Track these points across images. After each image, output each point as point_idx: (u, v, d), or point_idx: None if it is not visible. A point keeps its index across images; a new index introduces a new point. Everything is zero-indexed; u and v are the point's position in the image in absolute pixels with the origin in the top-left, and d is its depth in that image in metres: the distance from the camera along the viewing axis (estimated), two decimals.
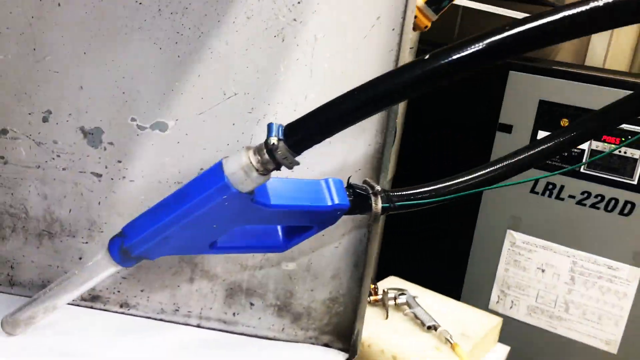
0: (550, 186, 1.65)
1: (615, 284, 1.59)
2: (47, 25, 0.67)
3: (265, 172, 0.52)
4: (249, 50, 0.66)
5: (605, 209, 1.55)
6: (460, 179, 0.63)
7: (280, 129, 0.51)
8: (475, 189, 0.63)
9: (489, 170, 0.62)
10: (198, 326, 0.76)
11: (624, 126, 1.53)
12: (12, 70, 0.69)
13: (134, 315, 0.76)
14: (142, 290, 0.75)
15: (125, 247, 0.59)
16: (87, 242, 0.74)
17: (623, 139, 1.57)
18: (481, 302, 1.61)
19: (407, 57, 0.65)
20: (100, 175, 0.72)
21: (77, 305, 0.75)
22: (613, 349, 1.59)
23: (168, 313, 0.76)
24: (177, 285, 0.75)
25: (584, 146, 1.62)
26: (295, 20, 0.65)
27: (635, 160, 1.53)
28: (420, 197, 0.63)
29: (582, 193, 1.55)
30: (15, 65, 0.69)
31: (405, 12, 0.63)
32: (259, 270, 0.74)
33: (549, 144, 0.61)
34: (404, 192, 0.63)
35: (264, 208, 0.55)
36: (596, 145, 1.60)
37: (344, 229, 0.71)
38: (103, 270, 0.62)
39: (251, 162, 0.51)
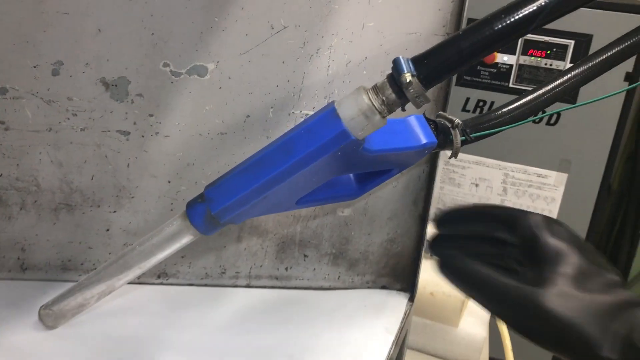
0: (481, 103, 1.71)
1: (544, 191, 1.69)
2: None
3: (388, 114, 0.46)
4: None
5: (533, 120, 1.62)
6: (532, 95, 0.61)
7: (410, 63, 0.45)
8: (553, 101, 0.60)
9: (564, 79, 0.60)
10: (247, 286, 0.70)
11: (550, 39, 1.60)
12: (8, 15, 0.56)
13: (175, 285, 0.69)
14: (182, 257, 0.68)
15: (215, 213, 0.51)
16: (115, 211, 0.65)
17: (548, 52, 1.64)
18: None
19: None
20: (129, 133, 0.62)
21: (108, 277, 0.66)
22: None
23: (213, 277, 0.69)
24: (223, 247, 0.68)
25: (512, 61, 1.68)
26: None
27: (561, 71, 1.59)
28: (493, 124, 0.60)
29: None
30: (12, 9, 0.56)
31: None
32: (312, 220, 0.68)
33: None
34: (476, 122, 0.60)
35: (367, 154, 0.50)
36: (524, 59, 1.66)
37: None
38: (178, 242, 0.54)
39: (373, 104, 0.45)
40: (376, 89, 0.46)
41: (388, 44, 0.61)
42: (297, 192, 0.53)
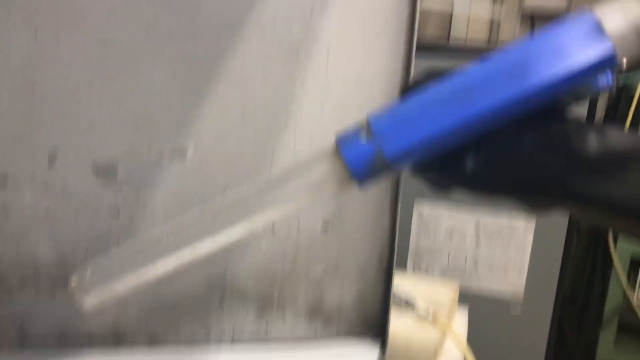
0: None
1: (514, 239, 1.78)
2: (45, 60, 0.63)
3: None
4: (265, 66, 0.67)
5: None
6: None
7: None
8: None
9: None
10: (231, 341, 0.76)
11: None
12: (8, 111, 0.64)
13: (165, 349, 0.74)
14: (170, 322, 0.74)
15: (389, 157, 0.37)
16: None
17: None
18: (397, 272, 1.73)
19: (413, 57, 0.70)
20: (118, 213, 0.69)
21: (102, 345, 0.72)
22: (519, 295, 1.78)
23: (200, 340, 0.75)
24: (207, 310, 0.74)
25: None
26: (308, 32, 0.67)
27: None
28: None
29: None
30: (12, 106, 0.64)
31: (412, 14, 0.67)
32: (288, 282, 0.75)
33: None
34: None
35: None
36: None
37: (368, 226, 0.74)
38: (313, 193, 0.40)
39: None
40: None
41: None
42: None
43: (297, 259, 0.74)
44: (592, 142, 0.37)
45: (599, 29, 0.34)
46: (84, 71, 0.64)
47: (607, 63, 0.35)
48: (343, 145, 0.39)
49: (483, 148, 0.38)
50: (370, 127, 0.38)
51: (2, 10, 0.60)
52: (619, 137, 0.37)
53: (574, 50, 0.35)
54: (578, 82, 0.35)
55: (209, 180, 0.69)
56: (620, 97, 1.81)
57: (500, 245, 1.83)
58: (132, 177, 0.68)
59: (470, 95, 0.36)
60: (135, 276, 0.43)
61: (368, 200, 0.73)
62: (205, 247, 0.42)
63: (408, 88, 0.40)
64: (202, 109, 0.67)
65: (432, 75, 0.39)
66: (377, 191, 0.72)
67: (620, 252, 1.75)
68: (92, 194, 0.67)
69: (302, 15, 0.66)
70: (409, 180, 0.68)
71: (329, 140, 0.41)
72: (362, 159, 0.38)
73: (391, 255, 0.75)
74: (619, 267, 1.74)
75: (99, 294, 0.45)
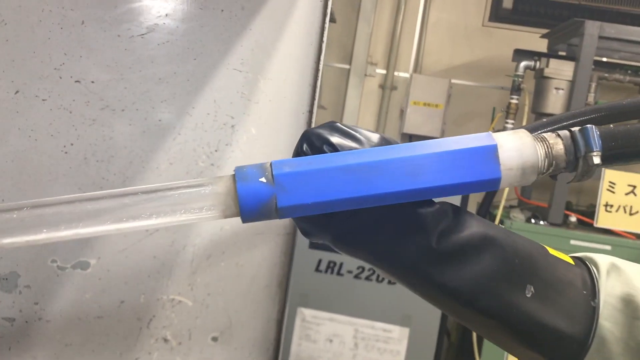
0: (332, 264, 1.92)
1: (390, 344, 1.89)
2: None
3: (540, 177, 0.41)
4: None
5: (377, 280, 1.86)
6: None
7: (598, 139, 0.40)
8: None
9: None
10: None
11: None
12: None
13: None
14: None
15: (281, 207, 0.39)
16: None
17: None
18: None
19: None
20: (14, 320, 0.71)
21: None
22: None
23: None
24: None
25: None
26: (212, 164, 0.76)
27: None
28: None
29: (358, 268, 1.85)
30: None
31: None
32: None
33: None
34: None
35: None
36: None
37: (257, 338, 0.81)
38: (198, 213, 0.40)
39: (541, 164, 0.40)
40: (547, 148, 0.40)
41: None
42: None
43: None
44: (443, 232, 0.41)
45: (495, 156, 0.39)
46: (2, 185, 0.68)
47: (490, 185, 0.40)
48: (240, 177, 0.39)
49: (353, 220, 0.41)
50: (272, 172, 0.39)
51: None
52: (470, 227, 0.41)
53: (466, 165, 0.39)
54: (462, 191, 0.40)
55: (106, 293, 0.74)
56: None
57: (377, 350, 1.93)
58: (31, 286, 0.71)
59: (375, 176, 0.39)
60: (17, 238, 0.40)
61: (258, 312, 0.80)
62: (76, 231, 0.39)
63: (309, 138, 0.42)
64: None
65: (334, 129, 0.42)
66: (266, 303, 0.80)
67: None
68: None
69: (207, 150, 0.75)
70: (291, 287, 0.75)
71: None
72: (255, 198, 0.39)
73: None
74: None
75: None
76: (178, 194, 0.39)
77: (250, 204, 0.39)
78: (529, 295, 0.41)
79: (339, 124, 0.43)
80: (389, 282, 1.87)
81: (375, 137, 0.42)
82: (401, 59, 3.04)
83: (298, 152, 0.42)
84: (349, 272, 1.85)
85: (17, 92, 0.67)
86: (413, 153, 0.40)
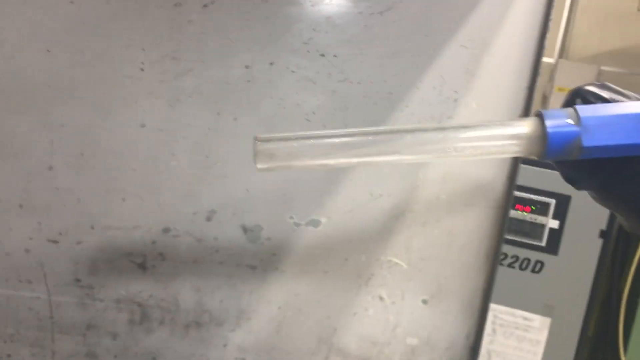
0: None
1: (530, 333, 1.86)
2: (221, 137, 0.76)
3: None
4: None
5: (520, 267, 1.83)
6: None
7: None
8: None
9: None
10: None
11: (533, 197, 1.84)
12: (183, 174, 0.76)
13: None
14: None
15: (585, 146, 0.42)
16: (233, 330, 0.81)
17: (533, 208, 1.88)
18: None
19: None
20: (255, 267, 0.79)
21: None
22: None
23: None
24: None
25: None
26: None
27: (544, 225, 1.82)
28: None
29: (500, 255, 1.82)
30: (186, 170, 0.76)
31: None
32: (387, 346, 0.85)
33: None
34: None
35: None
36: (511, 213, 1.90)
37: (463, 305, 0.85)
38: (502, 148, 0.44)
39: None
40: None
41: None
42: None
43: (397, 328, 0.84)
44: None
45: None
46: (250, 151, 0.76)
47: None
48: (549, 117, 0.43)
49: (626, 169, 0.43)
50: (579, 115, 0.42)
51: (194, 96, 0.74)
52: None
53: None
54: None
55: (333, 250, 0.81)
56: None
57: (515, 337, 1.91)
58: (272, 239, 0.79)
59: None
60: (310, 162, 0.45)
61: (466, 280, 0.83)
62: (375, 160, 0.44)
63: (582, 94, 0.45)
64: (338, 189, 0.79)
65: (605, 87, 0.45)
66: (473, 272, 0.83)
67: (630, 358, 1.82)
68: (237, 250, 0.78)
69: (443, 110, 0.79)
70: None
71: None
72: (563, 137, 0.42)
73: (478, 333, 0.85)
74: None
75: (274, 163, 0.46)
76: (487, 131, 0.44)
77: (557, 142, 0.42)
78: None
79: (609, 84, 0.46)
80: (532, 271, 1.84)
81: None
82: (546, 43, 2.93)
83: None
84: None
85: (271, 63, 0.75)
86: None
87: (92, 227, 0.75)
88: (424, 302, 0.84)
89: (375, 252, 0.82)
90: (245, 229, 0.78)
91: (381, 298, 0.83)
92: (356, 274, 0.82)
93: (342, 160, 0.44)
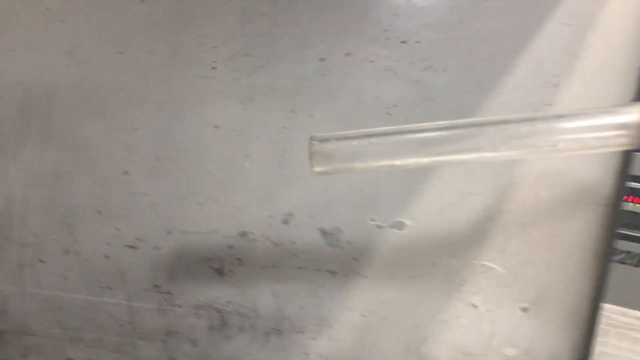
0: None
1: None
2: (297, 135, 0.71)
3: None
4: None
5: (634, 264, 1.66)
6: None
7: None
8: None
9: None
10: None
11: None
12: (258, 176, 0.72)
13: None
14: None
15: None
16: (315, 338, 0.76)
17: None
18: None
19: None
20: (335, 273, 0.75)
21: None
22: None
23: None
24: None
25: None
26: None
27: None
28: None
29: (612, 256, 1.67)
30: (261, 171, 0.72)
31: None
32: (482, 357, 0.77)
33: None
34: None
35: None
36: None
37: (567, 314, 0.76)
38: (606, 138, 0.39)
39: None
40: None
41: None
42: None
43: (493, 338, 0.76)
44: None
45: None
46: None
47: None
48: None
49: None
50: None
51: (267, 93, 0.70)
52: None
53: None
54: None
55: (418, 254, 0.74)
56: None
57: (629, 339, 1.75)
58: (352, 242, 0.74)
59: None
60: (374, 163, 0.40)
61: (570, 286, 0.75)
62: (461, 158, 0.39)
63: None
64: (423, 189, 0.73)
65: None
66: (579, 277, 0.74)
67: None
68: (316, 254, 0.74)
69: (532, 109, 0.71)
70: None
71: None
72: None
73: (586, 344, 0.76)
74: None
75: (333, 165, 0.41)
76: (588, 120, 0.38)
77: None
78: None
79: None
80: None
81: None
82: None
83: None
84: None
85: (348, 54, 0.70)
86: None
87: (169, 232, 0.74)
88: (523, 310, 0.76)
89: (467, 256, 0.75)
90: (323, 232, 0.74)
91: (474, 305, 0.76)
92: (446, 279, 0.75)
93: (410, 161, 0.38)
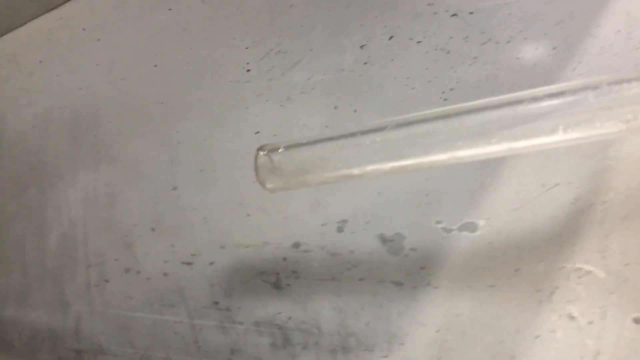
0: None
1: None
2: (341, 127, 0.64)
3: None
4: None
5: None
6: None
7: None
8: None
9: None
10: None
11: None
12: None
13: None
14: None
15: None
16: (386, 356, 0.69)
17: None
18: None
19: None
20: (402, 284, 0.66)
21: None
22: None
23: None
24: None
25: None
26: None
27: None
28: None
29: None
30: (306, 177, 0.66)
31: None
32: None
33: None
34: None
35: None
36: None
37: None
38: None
39: None
40: None
41: None
42: None
43: (600, 356, 0.63)
44: None
45: None
46: None
47: None
48: None
49: None
50: None
51: (306, 90, 0.63)
52: None
53: None
54: None
55: (498, 260, 0.64)
56: None
57: None
58: (417, 249, 0.65)
59: None
60: (330, 174, 0.34)
61: None
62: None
63: None
64: (496, 183, 0.62)
65: None
66: None
67: None
68: (377, 264, 0.66)
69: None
70: None
71: None
72: None
73: None
74: None
75: (283, 182, 0.35)
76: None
77: None
78: None
79: None
80: None
81: None
82: None
83: None
84: None
85: (391, 37, 0.61)
86: None
87: (222, 247, 0.70)
88: (636, 321, 0.62)
89: (556, 258, 0.63)
90: (383, 239, 0.66)
91: (572, 317, 0.63)
92: (534, 287, 0.64)
93: (371, 168, 0.30)
